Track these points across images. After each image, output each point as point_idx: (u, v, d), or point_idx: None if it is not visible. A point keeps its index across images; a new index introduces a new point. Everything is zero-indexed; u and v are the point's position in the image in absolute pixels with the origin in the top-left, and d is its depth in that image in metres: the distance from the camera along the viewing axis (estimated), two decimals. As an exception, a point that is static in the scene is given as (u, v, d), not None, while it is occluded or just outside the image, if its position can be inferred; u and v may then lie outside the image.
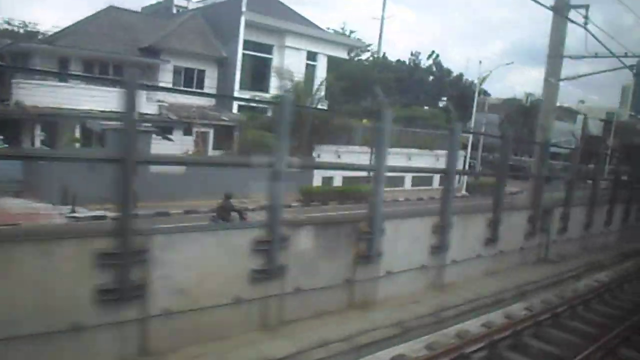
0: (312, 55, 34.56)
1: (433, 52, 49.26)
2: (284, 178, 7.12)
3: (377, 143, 8.78)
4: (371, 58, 46.26)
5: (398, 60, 52.63)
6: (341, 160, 27.85)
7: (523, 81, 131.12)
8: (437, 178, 33.39)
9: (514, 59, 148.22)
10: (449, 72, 50.68)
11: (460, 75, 49.77)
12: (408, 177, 31.57)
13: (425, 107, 50.56)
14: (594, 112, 75.10)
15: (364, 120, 30.49)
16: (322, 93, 36.10)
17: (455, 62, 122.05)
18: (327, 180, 27.33)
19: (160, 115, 28.05)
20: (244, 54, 31.59)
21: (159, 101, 28.32)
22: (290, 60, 32.53)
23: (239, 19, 30.39)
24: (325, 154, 27.22)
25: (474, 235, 11.70)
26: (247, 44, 31.88)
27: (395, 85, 48.35)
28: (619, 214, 18.83)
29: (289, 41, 33.04)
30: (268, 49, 33.11)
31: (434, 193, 32.10)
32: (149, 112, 27.36)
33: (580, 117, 54.16)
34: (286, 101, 7.46)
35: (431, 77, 49.93)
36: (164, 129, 27.75)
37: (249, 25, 30.86)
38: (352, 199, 26.33)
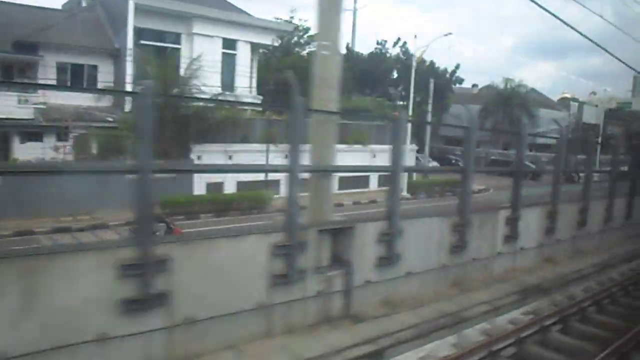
0: (231, 44, 28.52)
1: (399, 39, 42.31)
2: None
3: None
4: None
5: (372, 53, 45.89)
6: (233, 161, 21.70)
7: (535, 78, 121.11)
8: (374, 178, 26.71)
9: (524, 54, 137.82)
10: (422, 60, 43.66)
11: (431, 64, 42.54)
12: (334, 179, 24.94)
13: (401, 102, 43.74)
14: (605, 103, 68.75)
15: (267, 113, 24.21)
16: (254, 85, 30.40)
17: (459, 57, 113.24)
18: (216, 187, 21.16)
19: (33, 120, 22.73)
20: (144, 45, 26.02)
21: (38, 104, 23.05)
22: (202, 49, 26.69)
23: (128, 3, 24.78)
24: (209, 154, 21.06)
25: (80, 299, 5.33)
26: (147, 33, 26.30)
27: (360, 76, 41.75)
28: (537, 222, 11.89)
29: (198, 27, 27.14)
30: (175, 37, 27.36)
31: (370, 196, 25.52)
32: (20, 116, 22.24)
33: (574, 105, 45.84)
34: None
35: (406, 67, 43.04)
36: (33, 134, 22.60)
37: (144, 10, 25.12)
38: (241, 210, 20.19)
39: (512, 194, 11.05)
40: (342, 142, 25.62)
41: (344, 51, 43.90)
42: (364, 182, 26.14)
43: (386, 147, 28.26)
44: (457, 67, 43.11)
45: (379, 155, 26.36)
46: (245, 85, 29.09)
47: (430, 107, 28.96)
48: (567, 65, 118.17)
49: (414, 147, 30.50)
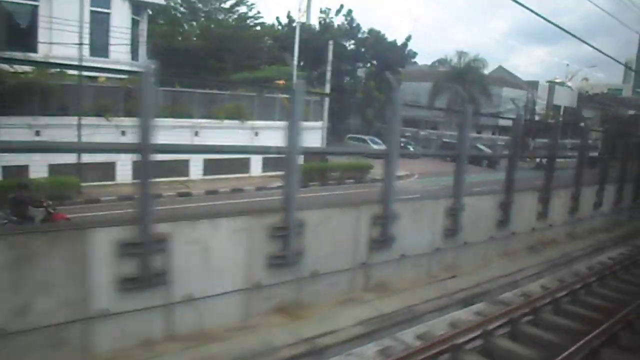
0: (102, 1, 22.96)
1: (342, 6, 35.94)
2: None
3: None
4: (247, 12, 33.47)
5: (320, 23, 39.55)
6: (41, 138, 16.33)
7: (528, 63, 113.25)
8: (258, 161, 21.14)
9: (518, 39, 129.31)
10: (374, 31, 37.36)
11: (380, 34, 36.21)
12: (197, 163, 19.46)
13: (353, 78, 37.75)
14: (596, 89, 65.60)
15: (102, 79, 18.63)
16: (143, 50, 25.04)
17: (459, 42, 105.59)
18: (19, 172, 15.78)
19: None
20: (-7, 1, 20.81)
21: None
22: (63, 7, 21.38)
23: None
24: (4, 130, 15.62)
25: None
26: (-5, -13, 21.01)
27: (300, 49, 35.80)
28: (238, 248, 6.29)
29: (57, -20, 21.63)
30: (31, -7, 21.93)
31: (249, 182, 20.03)
32: None
33: (544, 86, 39.22)
34: None
35: (351, 39, 36.83)
36: None
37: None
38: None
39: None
40: (208, 116, 20.22)
41: (284, 20, 38.02)
42: (243, 166, 20.58)
43: (274, 123, 22.69)
44: (409, 39, 36.83)
45: (264, 133, 20.76)
46: (125, 50, 23.61)
47: (329, 75, 22.87)
48: (561, 51, 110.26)
49: (324, 124, 24.73)
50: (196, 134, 19.11)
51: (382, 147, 33.03)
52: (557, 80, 68.48)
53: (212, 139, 19.06)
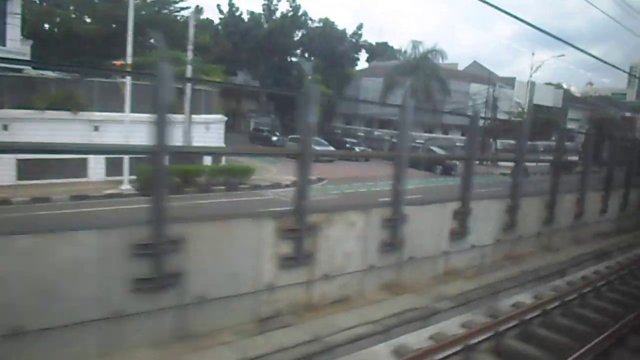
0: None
1: (284, -10, 31.14)
2: None
3: None
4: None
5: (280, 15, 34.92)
6: None
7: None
8: (99, 163, 16.56)
9: (523, 44, 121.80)
10: (323, 20, 32.43)
11: (329, 22, 31.19)
12: (8, 164, 14.99)
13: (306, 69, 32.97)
14: (600, 93, 62.70)
15: None
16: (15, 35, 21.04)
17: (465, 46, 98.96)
18: None
19: None
20: None
21: None
22: None
23: None
24: None
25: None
26: None
27: (240, 39, 31.35)
28: None
29: None
30: None
31: (73, 189, 15.45)
32: None
33: (521, 83, 33.39)
34: None
35: (301, 30, 32.07)
36: None
37: None
38: None
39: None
40: (24, 106, 15.74)
41: (223, 8, 33.56)
42: (78, 168, 16.02)
43: (122, 115, 18.02)
44: (360, 27, 31.66)
45: (108, 127, 16.22)
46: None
47: (190, 56, 17.92)
48: (567, 56, 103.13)
49: (221, 118, 20.09)
50: (5, 127, 14.68)
51: (328, 148, 28.45)
52: (564, 86, 62.79)
53: (28, 135, 14.55)
